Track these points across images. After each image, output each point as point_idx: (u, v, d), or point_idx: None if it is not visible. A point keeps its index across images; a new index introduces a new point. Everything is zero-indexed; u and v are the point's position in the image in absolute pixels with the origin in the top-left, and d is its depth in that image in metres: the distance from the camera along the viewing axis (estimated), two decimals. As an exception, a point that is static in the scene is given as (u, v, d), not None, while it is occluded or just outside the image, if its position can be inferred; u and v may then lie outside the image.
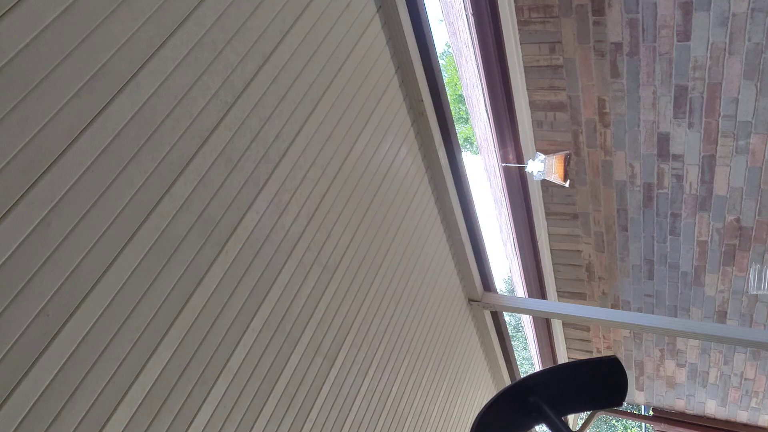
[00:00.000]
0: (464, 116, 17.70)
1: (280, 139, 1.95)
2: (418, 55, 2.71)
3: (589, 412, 2.15)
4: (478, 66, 3.88)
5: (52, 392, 1.28)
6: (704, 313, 4.72)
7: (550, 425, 1.86)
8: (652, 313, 4.83)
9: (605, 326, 5.42)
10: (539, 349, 5.59)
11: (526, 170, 4.18)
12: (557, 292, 5.31)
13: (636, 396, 5.98)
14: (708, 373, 5.25)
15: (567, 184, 4.11)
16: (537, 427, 2.71)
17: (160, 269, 1.52)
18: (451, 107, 4.33)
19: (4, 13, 1.15)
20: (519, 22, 3.64)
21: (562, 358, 5.94)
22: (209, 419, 1.73)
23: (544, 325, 5.37)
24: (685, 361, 5.28)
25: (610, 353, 5.71)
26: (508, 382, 4.62)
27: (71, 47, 1.27)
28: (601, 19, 3.46)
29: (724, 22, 3.22)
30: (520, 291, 5.36)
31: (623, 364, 2.31)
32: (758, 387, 5.07)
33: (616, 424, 16.21)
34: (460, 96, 16.79)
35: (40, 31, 1.21)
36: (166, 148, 1.52)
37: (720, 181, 3.86)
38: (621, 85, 3.68)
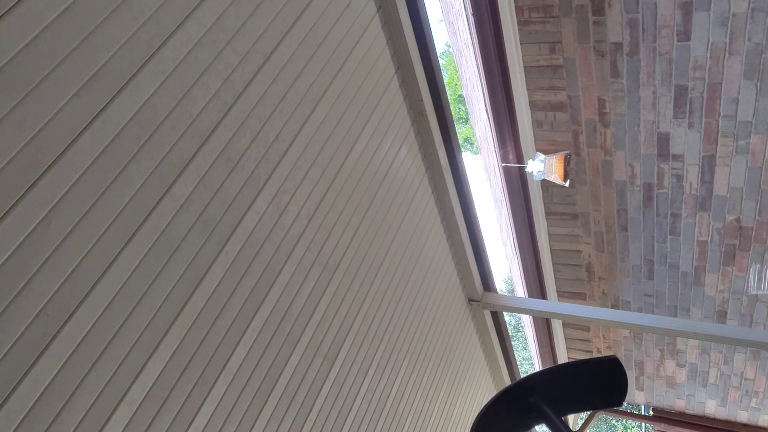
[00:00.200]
0: (464, 116, 17.69)
1: (280, 139, 1.95)
2: (418, 55, 2.71)
3: (589, 412, 2.15)
4: (478, 66, 3.88)
5: (52, 392, 1.28)
6: (704, 313, 4.72)
7: (550, 425, 1.86)
8: (652, 313, 4.83)
9: (605, 326, 5.42)
10: (539, 349, 5.59)
11: (526, 170, 4.18)
12: (557, 292, 5.31)
13: (636, 396, 5.98)
14: (708, 373, 5.25)
15: (567, 184, 4.11)
16: (537, 427, 2.71)
17: (160, 269, 1.52)
18: (451, 107, 4.33)
19: (4, 13, 1.15)
20: (519, 22, 3.64)
21: (562, 358, 5.94)
22: (209, 419, 1.73)
23: (544, 325, 5.37)
24: (685, 361, 5.28)
25: (610, 353, 5.71)
26: (508, 382, 4.62)
27: (71, 47, 1.27)
28: (601, 19, 3.46)
29: (724, 22, 3.22)
30: (520, 291, 5.36)
31: (623, 364, 2.31)
32: (758, 387, 5.07)
33: (616, 424, 16.21)
34: (460, 96, 16.79)
35: (40, 31, 1.21)
36: (166, 148, 1.52)
37: (720, 181, 3.86)
38: (621, 85, 3.68)
